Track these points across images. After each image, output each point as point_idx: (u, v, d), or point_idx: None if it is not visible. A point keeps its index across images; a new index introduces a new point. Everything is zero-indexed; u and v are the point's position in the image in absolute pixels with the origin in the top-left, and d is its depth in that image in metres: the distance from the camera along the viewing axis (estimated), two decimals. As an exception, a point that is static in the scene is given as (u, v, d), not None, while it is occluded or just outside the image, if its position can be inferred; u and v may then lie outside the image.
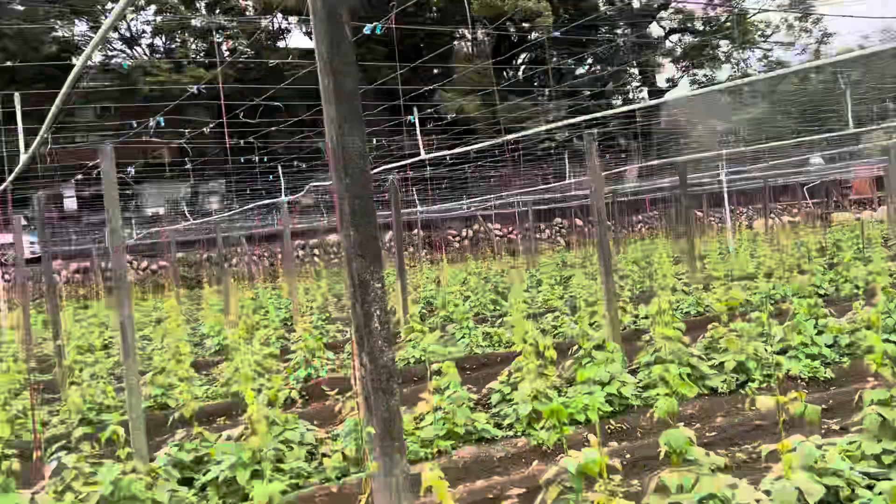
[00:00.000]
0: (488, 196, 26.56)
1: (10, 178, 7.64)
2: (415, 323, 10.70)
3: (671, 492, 3.72)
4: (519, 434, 6.14)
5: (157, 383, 8.58)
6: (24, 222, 13.15)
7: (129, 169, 12.61)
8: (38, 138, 6.18)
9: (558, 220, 36.18)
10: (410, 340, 10.23)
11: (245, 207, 18.71)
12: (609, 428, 6.20)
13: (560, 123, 10.03)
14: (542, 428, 6.02)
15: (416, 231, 31.07)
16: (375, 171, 10.70)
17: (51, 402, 9.66)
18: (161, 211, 33.78)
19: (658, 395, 6.81)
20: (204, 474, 5.47)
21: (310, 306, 16.85)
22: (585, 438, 6.07)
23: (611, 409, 6.52)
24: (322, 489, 5.16)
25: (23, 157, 7.12)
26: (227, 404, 8.33)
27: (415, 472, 5.01)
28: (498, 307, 15.15)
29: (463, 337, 10.84)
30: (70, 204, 34.58)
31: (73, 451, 5.48)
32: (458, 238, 34.23)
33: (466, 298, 16.23)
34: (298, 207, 28.76)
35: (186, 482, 5.48)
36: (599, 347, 7.26)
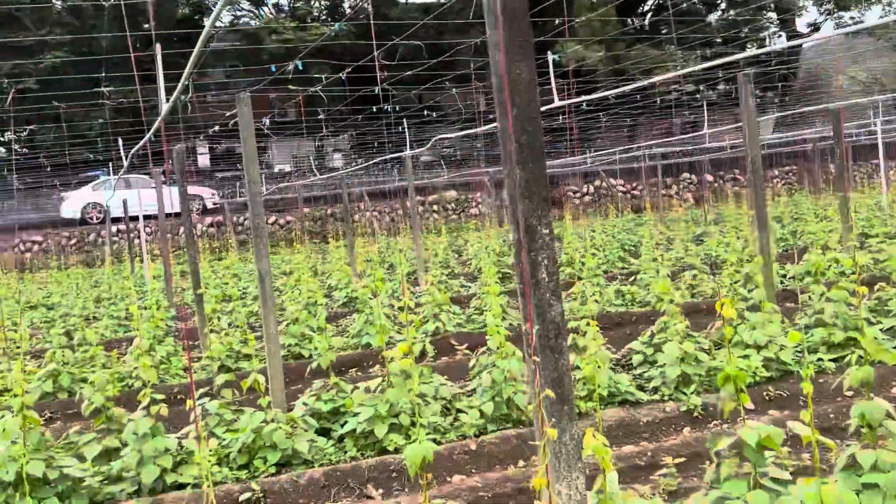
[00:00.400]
0: (612, 150, 25.59)
1: (155, 125, 7.82)
2: (543, 279, 10.38)
3: (864, 470, 3.27)
4: (666, 398, 5.75)
5: (291, 333, 8.71)
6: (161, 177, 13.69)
7: (263, 120, 12.81)
8: (179, 86, 6.23)
9: (686, 175, 34.54)
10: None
11: (370, 162, 18.79)
12: (767, 394, 5.71)
13: (712, 63, 9.24)
14: (692, 392, 5.60)
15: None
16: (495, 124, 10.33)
17: (191, 348, 10.06)
18: (288, 167, 34.80)
19: (821, 359, 6.22)
20: (341, 425, 5.43)
21: (433, 261, 16.84)
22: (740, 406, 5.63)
23: (768, 374, 6.01)
24: (461, 446, 4.99)
25: (164, 108, 7.26)
26: (357, 355, 8.35)
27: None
28: (626, 265, 14.57)
29: (593, 294, 10.43)
30: (203, 160, 36.19)
31: (216, 397, 5.57)
32: (578, 194, 33.37)
33: (592, 255, 15.71)
34: (420, 162, 28.83)
35: (324, 432, 5.46)
36: (754, 308, 6.70)
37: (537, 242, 2.40)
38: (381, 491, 4.65)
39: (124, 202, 19.77)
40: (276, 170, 34.34)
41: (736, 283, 11.06)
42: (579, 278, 13.50)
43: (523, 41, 2.36)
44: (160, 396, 4.91)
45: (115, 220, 27.36)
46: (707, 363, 6.01)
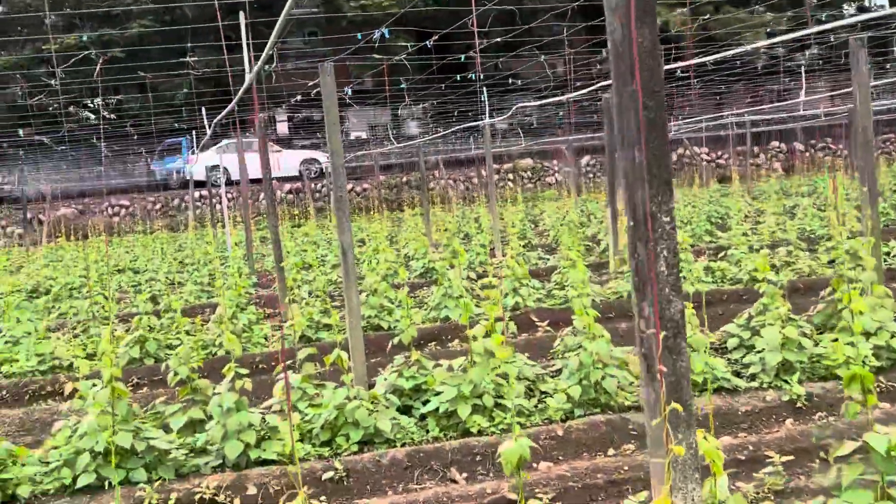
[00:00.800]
0: (697, 118, 24.58)
1: (240, 93, 7.80)
2: (627, 255, 10.00)
3: None
4: (765, 386, 5.41)
5: (370, 304, 8.66)
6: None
7: (346, 89, 12.73)
8: (264, 55, 6.15)
9: (775, 143, 33.01)
10: (624, 272, 9.59)
11: (448, 131, 18.55)
12: (879, 386, 5.30)
13: (826, 27, 8.58)
14: (796, 381, 5.25)
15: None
16: (589, 89, 9.93)
17: (271, 317, 10.16)
18: (364, 135, 34.90)
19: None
20: (423, 404, 5.31)
21: (509, 231, 16.58)
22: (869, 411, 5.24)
23: (878, 363, 5.59)
24: (547, 431, 4.80)
25: (248, 77, 7.21)
26: (436, 329, 8.24)
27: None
28: (714, 239, 13.99)
29: (680, 271, 10.02)
30: (282, 128, 36.67)
31: (298, 370, 5.53)
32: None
33: (678, 228, 15.17)
34: (497, 130, 28.39)
35: (405, 410, 5.36)
36: (862, 291, 6.23)
37: (657, 231, 2.16)
38: (464, 475, 4.52)
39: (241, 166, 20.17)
40: (352, 137, 34.49)
41: (835, 261, 10.45)
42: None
43: (645, 3, 2.09)
44: (244, 371, 4.88)
45: (198, 185, 28.06)
46: (810, 350, 5.63)
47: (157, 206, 29.66)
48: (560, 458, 4.64)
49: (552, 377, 5.83)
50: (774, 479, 3.94)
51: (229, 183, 27.12)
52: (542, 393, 5.50)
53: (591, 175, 31.32)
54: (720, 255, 11.28)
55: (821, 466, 3.06)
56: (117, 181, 31.26)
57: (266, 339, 8.68)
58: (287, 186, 29.61)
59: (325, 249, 16.30)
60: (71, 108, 36.18)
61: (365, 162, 29.96)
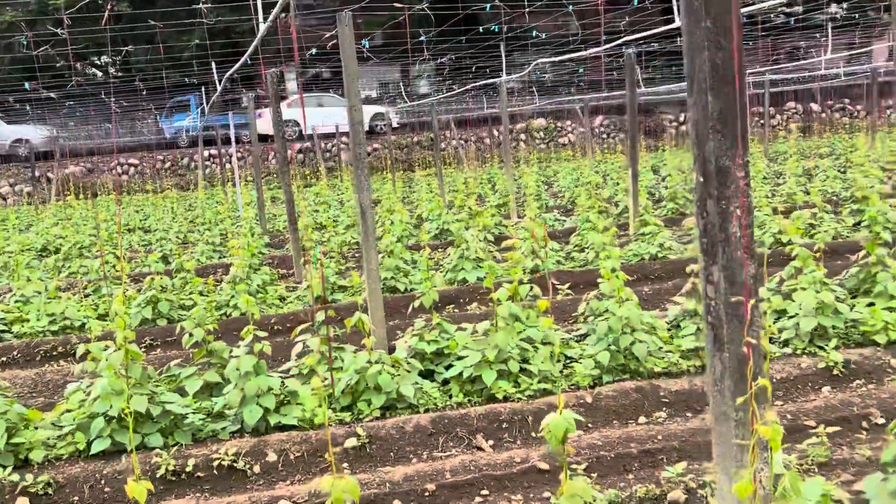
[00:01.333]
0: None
1: (253, 44, 7.51)
2: (648, 215, 9.76)
3: None
4: (799, 352, 5.22)
5: (385, 266, 8.48)
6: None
7: (363, 42, 12.37)
8: (279, 4, 5.86)
9: (791, 104, 32.39)
10: (645, 234, 9.36)
11: (463, 88, 18.12)
12: (918, 355, 5.10)
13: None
14: (832, 347, 5.05)
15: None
16: (611, 45, 9.56)
17: (285, 277, 10.00)
18: (375, 94, 34.40)
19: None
20: (446, 368, 5.15)
21: (524, 192, 16.32)
22: (880, 365, 5.05)
23: (916, 330, 5.38)
24: (576, 398, 4.63)
25: (262, 27, 6.93)
26: (454, 291, 8.06)
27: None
28: (732, 200, 13.69)
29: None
30: (291, 86, 36.16)
31: (316, 333, 5.36)
32: (674, 124, 31.82)
33: (692, 190, 14.88)
34: (510, 89, 27.83)
35: (427, 375, 5.20)
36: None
37: (729, 188, 1.94)
38: (490, 442, 4.37)
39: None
40: (362, 96, 34.04)
41: (861, 223, 10.18)
42: (682, 214, 12.78)
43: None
44: (262, 333, 4.71)
45: (208, 145, 27.77)
46: (846, 315, 5.42)
47: (167, 165, 29.44)
48: (590, 425, 4.48)
49: (577, 342, 5.65)
50: (818, 451, 3.77)
51: (302, 138, 27.38)
52: (568, 358, 5.33)
53: (605, 136, 30.86)
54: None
55: (888, 446, 2.86)
56: (126, 139, 30.99)
57: (281, 300, 8.53)
58: (297, 146, 29.29)
59: (337, 210, 16.09)
60: (79, 65, 35.75)
61: (376, 121, 29.56)
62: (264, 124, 25.95)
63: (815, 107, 32.40)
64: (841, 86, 31.43)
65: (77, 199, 22.05)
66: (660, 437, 4.16)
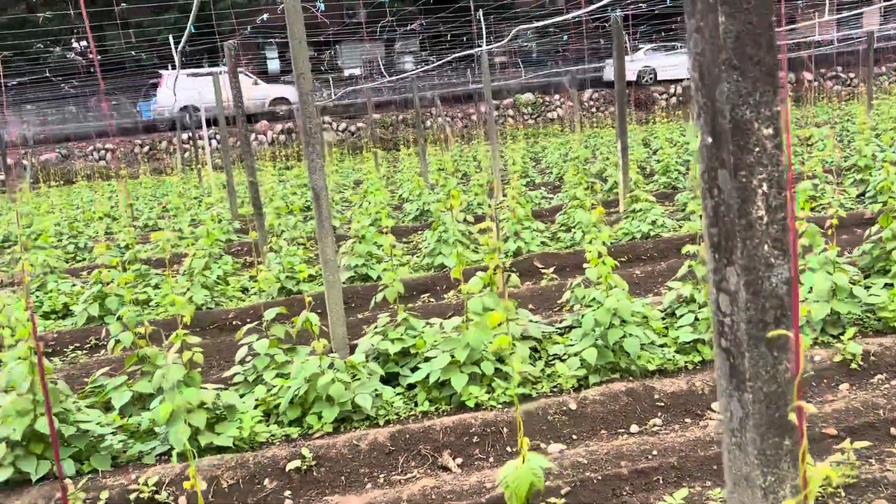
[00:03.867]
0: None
1: (192, 14, 6.78)
2: (639, 190, 9.12)
3: None
4: (811, 343, 4.62)
5: (357, 252, 7.84)
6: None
7: (317, 3, 11.59)
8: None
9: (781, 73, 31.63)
10: (636, 211, 8.73)
11: (442, 60, 17.34)
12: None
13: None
14: (849, 338, 4.45)
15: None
16: (595, 6, 8.83)
17: (251, 265, 9.35)
18: (357, 71, 33.53)
19: None
20: (412, 370, 4.54)
21: (510, 169, 15.66)
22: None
23: (942, 315, 4.78)
24: (558, 404, 4.02)
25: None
26: (430, 279, 7.43)
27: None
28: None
29: (694, 211, 9.14)
30: (273, 66, 35.24)
31: (266, 335, 4.73)
32: (664, 95, 31.07)
33: (685, 164, 14.23)
34: (496, 63, 27.04)
35: (390, 378, 4.58)
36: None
37: (752, 151, 1.31)
38: (459, 460, 3.76)
39: None
40: (345, 74, 33.15)
41: (865, 194, 9.57)
42: (674, 189, 12.14)
43: None
44: (194, 339, 4.07)
45: (186, 128, 26.92)
46: (862, 298, 4.82)
47: (145, 150, 28.58)
48: (574, 437, 3.87)
49: (561, 335, 5.04)
50: (844, 469, 3.17)
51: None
52: (551, 356, 4.71)
53: (594, 109, 30.12)
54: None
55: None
56: (100, 123, 30.09)
57: (244, 291, 7.90)
58: (278, 126, 28.48)
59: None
60: (57, 49, 34.73)
61: (358, 99, 28.76)
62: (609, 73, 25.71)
63: (808, 76, 31.69)
64: (832, 53, 30.75)
65: (49, 188, 21.26)
66: (655, 453, 3.56)
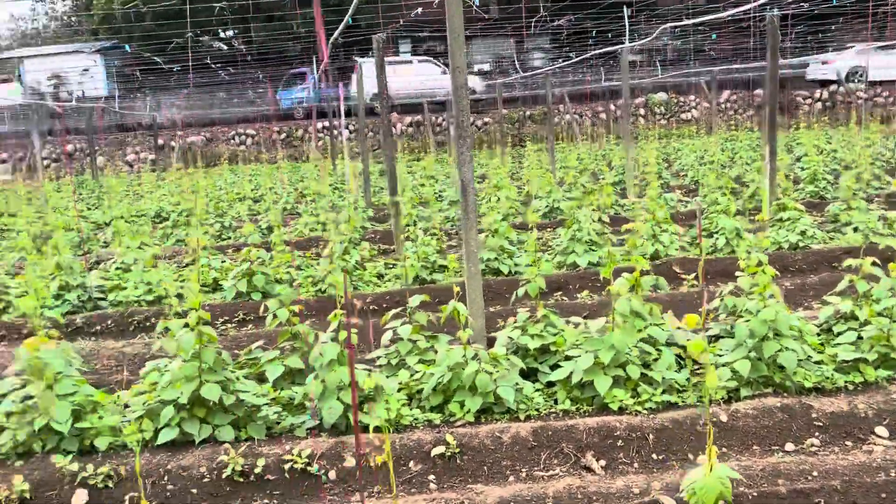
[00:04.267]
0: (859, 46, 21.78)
1: (353, 6, 7.01)
2: (787, 198, 8.68)
3: None
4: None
5: (489, 246, 7.88)
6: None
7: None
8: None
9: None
10: (783, 220, 8.32)
11: (581, 57, 17.12)
12: None
13: None
14: None
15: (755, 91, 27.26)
16: (755, 3, 8.44)
17: (385, 253, 9.58)
18: (487, 66, 33.66)
19: None
20: (551, 368, 4.52)
21: (642, 170, 15.28)
22: None
23: None
24: (698, 416, 3.89)
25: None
26: (563, 277, 7.37)
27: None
28: (882, 184, 12.21)
29: (848, 223, 8.60)
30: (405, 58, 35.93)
31: (409, 321, 4.84)
32: (808, 100, 29.39)
33: (834, 172, 13.41)
34: (637, 63, 26.39)
35: (528, 373, 4.58)
36: None
37: None
38: (602, 462, 3.71)
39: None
40: (475, 69, 33.34)
41: None
42: (822, 198, 11.47)
43: None
44: (355, 320, 4.22)
45: (323, 117, 27.92)
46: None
47: (283, 136, 29.87)
48: (724, 449, 3.74)
49: (710, 343, 4.87)
50: None
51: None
52: (697, 364, 4.57)
53: (731, 112, 28.92)
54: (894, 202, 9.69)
55: None
56: (243, 109, 31.69)
57: (379, 277, 8.11)
58: (407, 119, 29.03)
59: (444, 184, 15.60)
60: (204, 38, 36.86)
61: (485, 95, 28.87)
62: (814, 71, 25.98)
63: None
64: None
65: (195, 168, 22.63)
66: (815, 474, 3.38)
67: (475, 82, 28.95)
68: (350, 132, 26.25)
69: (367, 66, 28.06)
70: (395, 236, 9.16)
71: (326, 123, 27.68)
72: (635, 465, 3.68)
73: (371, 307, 6.80)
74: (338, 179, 18.01)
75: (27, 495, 3.52)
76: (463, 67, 4.92)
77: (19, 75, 33.59)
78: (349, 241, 8.39)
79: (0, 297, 6.95)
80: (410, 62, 28.42)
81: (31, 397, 3.94)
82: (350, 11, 7.71)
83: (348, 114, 20.96)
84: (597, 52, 14.09)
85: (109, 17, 34.05)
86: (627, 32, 11.53)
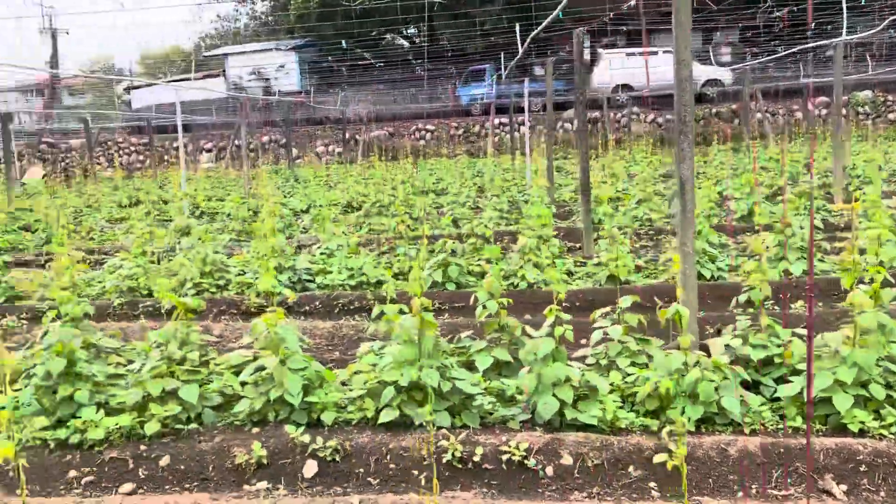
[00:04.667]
0: None
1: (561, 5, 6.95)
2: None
3: None
4: None
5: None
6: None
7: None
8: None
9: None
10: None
11: (790, 51, 16.04)
12: None
13: None
14: None
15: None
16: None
17: (572, 251, 9.45)
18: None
19: None
20: (776, 381, 4.23)
21: (867, 174, 14.08)
22: None
23: None
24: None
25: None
26: (773, 285, 6.90)
27: None
28: None
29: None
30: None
31: (619, 322, 4.70)
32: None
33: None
34: (825, 57, 24.34)
35: (749, 386, 4.31)
36: None
37: None
38: (843, 487, 3.41)
39: None
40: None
41: None
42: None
43: None
44: (566, 316, 4.18)
45: (500, 113, 28.13)
46: None
47: (460, 132, 30.44)
48: None
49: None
50: None
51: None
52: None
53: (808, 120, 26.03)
54: None
55: None
56: (422, 106, 32.62)
57: (569, 274, 8.01)
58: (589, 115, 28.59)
59: (627, 183, 15.18)
60: (389, 36, 38.32)
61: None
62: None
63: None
64: None
65: (379, 161, 23.58)
66: None
67: (722, 73, 27.73)
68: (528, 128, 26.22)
69: (608, 58, 27.42)
70: (585, 234, 9.02)
71: (504, 119, 27.87)
72: (881, 493, 3.36)
73: (564, 305, 6.73)
74: (517, 174, 18.05)
75: (264, 461, 3.77)
76: (688, 60, 4.71)
77: (223, 70, 36.54)
78: (539, 238, 8.35)
79: (222, 275, 7.55)
80: (655, 53, 27.37)
81: (263, 368, 4.22)
82: (560, 5, 7.64)
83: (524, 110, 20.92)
84: (807, 46, 13.10)
85: (305, 15, 36.18)
86: (845, 25, 10.60)
